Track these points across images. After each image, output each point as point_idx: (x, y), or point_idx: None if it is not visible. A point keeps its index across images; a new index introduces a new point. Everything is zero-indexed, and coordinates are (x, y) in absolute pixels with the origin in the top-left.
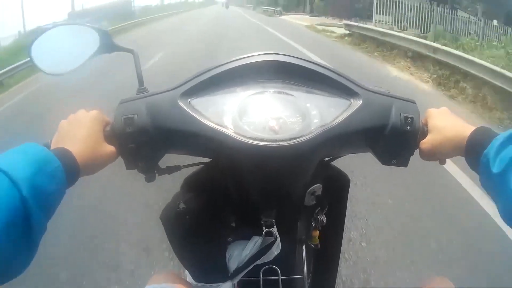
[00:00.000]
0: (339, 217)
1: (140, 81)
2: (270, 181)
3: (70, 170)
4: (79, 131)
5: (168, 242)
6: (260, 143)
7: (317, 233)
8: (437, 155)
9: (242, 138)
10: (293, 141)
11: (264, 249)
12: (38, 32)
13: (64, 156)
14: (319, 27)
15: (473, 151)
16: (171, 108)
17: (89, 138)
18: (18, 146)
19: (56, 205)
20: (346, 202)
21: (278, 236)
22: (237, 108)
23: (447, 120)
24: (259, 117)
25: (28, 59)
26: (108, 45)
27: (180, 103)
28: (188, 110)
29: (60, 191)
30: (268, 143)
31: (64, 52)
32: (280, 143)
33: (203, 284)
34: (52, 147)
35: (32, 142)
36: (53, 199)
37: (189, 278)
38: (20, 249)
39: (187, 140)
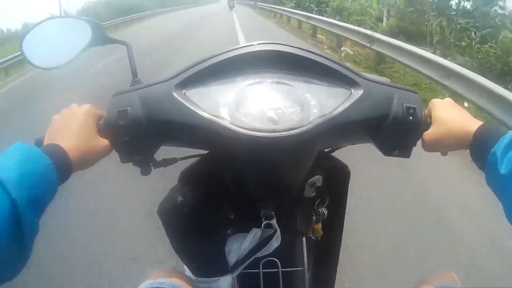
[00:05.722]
0: (340, 208)
1: (134, 73)
2: (268, 173)
3: (62, 167)
4: (71, 126)
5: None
6: (257, 134)
7: (319, 225)
8: (440, 147)
9: (239, 129)
10: (291, 132)
11: (263, 242)
12: (30, 25)
13: (56, 153)
14: None
15: (479, 148)
16: (165, 99)
17: (82, 132)
18: (8, 148)
19: (48, 203)
20: (347, 193)
21: (277, 228)
22: (233, 99)
23: (452, 112)
24: (257, 107)
25: None
26: (100, 37)
27: (175, 95)
28: (183, 101)
29: (52, 189)
30: (266, 134)
31: (56, 45)
32: (278, 133)
33: (203, 278)
34: (44, 143)
35: (22, 142)
36: (44, 198)
37: (188, 273)
38: (13, 252)
39: (183, 132)
